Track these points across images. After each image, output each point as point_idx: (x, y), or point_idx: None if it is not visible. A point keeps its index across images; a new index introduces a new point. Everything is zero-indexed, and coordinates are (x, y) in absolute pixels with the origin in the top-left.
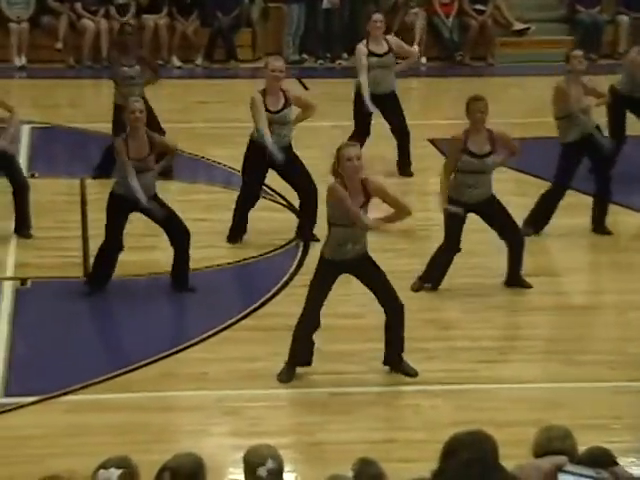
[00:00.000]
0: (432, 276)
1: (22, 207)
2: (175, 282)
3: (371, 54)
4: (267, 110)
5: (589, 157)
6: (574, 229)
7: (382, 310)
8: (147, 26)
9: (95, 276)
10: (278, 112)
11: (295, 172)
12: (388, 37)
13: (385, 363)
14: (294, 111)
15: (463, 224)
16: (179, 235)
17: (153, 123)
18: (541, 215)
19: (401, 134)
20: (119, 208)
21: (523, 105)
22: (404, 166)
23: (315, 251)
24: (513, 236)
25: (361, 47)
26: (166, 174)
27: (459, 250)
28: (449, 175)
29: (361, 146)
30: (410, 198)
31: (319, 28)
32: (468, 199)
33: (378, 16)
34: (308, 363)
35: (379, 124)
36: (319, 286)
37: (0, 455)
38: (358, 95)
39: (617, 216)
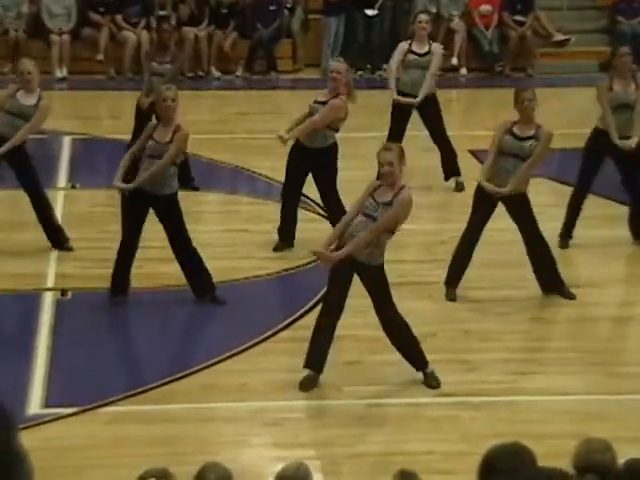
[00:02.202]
0: (455, 274)
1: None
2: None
3: (411, 52)
4: None
5: (615, 164)
6: (611, 240)
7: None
8: (187, 38)
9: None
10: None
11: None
12: (433, 43)
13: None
14: None
15: (490, 210)
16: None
17: None
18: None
19: (441, 140)
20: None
21: (563, 116)
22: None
23: None
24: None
25: (403, 44)
26: (185, 183)
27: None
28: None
29: None
30: (449, 209)
31: (359, 39)
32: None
33: (424, 17)
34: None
35: (419, 137)
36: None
37: (39, 466)
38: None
39: None
